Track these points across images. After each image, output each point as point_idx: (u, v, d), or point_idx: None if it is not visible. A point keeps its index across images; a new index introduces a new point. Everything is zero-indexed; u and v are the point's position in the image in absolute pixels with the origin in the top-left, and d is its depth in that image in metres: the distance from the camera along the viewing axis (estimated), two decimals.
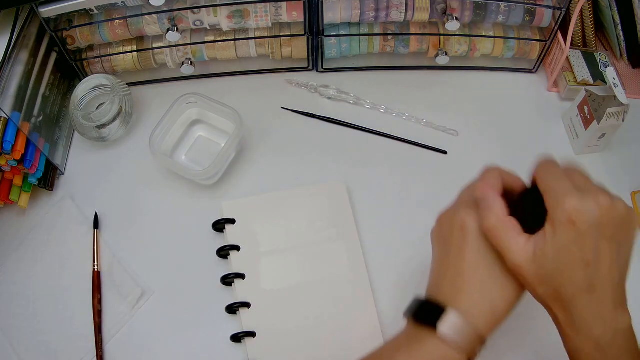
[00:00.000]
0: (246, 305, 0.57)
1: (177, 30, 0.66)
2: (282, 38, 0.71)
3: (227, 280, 0.58)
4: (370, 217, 0.63)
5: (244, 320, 0.56)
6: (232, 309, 0.57)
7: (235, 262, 0.59)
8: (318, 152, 0.69)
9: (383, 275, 0.59)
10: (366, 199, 0.65)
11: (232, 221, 0.61)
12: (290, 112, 0.72)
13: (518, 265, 0.39)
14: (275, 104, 0.73)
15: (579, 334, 0.39)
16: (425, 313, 0.41)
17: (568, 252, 0.37)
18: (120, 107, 0.67)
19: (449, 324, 0.39)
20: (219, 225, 0.61)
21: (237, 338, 0.55)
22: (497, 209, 0.40)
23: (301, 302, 0.57)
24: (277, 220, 0.62)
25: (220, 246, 0.60)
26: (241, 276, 0.58)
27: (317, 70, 0.76)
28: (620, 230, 0.38)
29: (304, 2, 0.66)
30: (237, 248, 0.60)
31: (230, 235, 0.61)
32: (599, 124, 0.63)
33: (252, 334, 0.55)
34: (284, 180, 0.66)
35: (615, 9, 0.71)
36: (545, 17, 0.69)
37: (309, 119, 0.71)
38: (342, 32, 0.71)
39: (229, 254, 0.60)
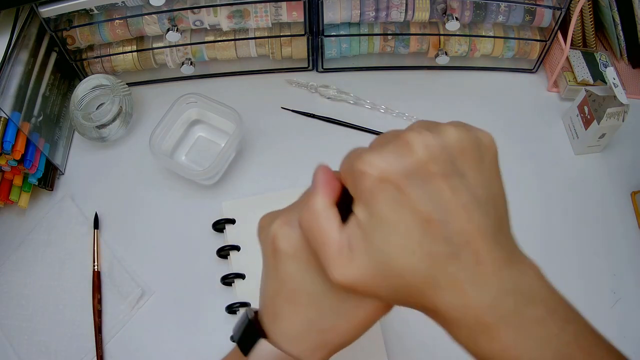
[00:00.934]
0: (246, 305, 0.57)
1: (177, 30, 0.66)
2: (282, 38, 0.71)
3: (227, 280, 0.58)
4: None
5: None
6: (232, 308, 0.57)
7: (235, 262, 0.59)
8: (318, 152, 0.69)
9: None
10: None
11: (232, 221, 0.61)
12: (290, 112, 0.72)
13: (343, 276, 0.28)
14: (275, 104, 0.73)
15: (460, 325, 0.28)
16: (244, 336, 0.34)
17: (392, 223, 0.27)
18: (120, 107, 0.67)
19: (258, 356, 0.33)
20: (219, 225, 0.61)
21: None
22: (321, 196, 0.30)
23: None
24: None
25: (220, 246, 0.60)
26: (241, 276, 0.58)
27: (317, 70, 0.76)
28: (452, 161, 0.27)
29: (304, 2, 0.66)
30: (237, 248, 0.60)
31: (230, 235, 0.61)
32: (599, 124, 0.63)
33: None
34: (284, 180, 0.66)
35: (615, 9, 0.71)
36: (545, 17, 0.69)
37: (309, 119, 0.71)
38: (342, 32, 0.71)
39: (229, 254, 0.60)
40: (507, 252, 0.28)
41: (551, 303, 0.30)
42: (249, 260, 0.59)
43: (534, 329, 0.28)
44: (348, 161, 0.29)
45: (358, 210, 0.28)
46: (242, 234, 0.61)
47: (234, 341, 0.35)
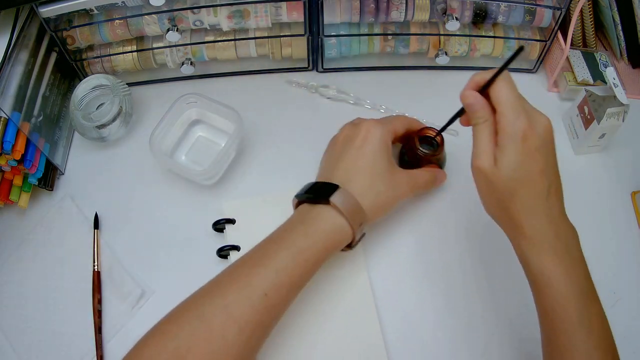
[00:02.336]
0: None
1: (177, 30, 0.66)
2: (282, 38, 0.71)
3: None
4: None
5: None
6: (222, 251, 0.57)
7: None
8: (319, 153, 0.69)
9: (383, 270, 0.59)
10: None
11: (233, 221, 0.61)
12: (290, 111, 0.72)
13: (482, 168, 0.44)
14: (276, 104, 0.73)
15: (532, 244, 0.44)
16: (318, 191, 0.49)
17: (526, 161, 0.43)
18: (120, 107, 0.67)
19: (340, 197, 0.48)
20: (219, 225, 0.61)
21: None
22: (485, 112, 0.45)
23: (301, 301, 0.57)
24: (277, 220, 0.61)
25: (220, 246, 0.60)
26: None
27: (317, 70, 0.76)
28: (552, 143, 0.45)
29: (304, 2, 0.66)
30: (237, 248, 0.59)
31: (231, 235, 0.61)
32: (599, 124, 0.63)
33: None
34: (284, 181, 0.66)
35: (615, 9, 0.71)
36: (545, 17, 0.69)
37: (310, 118, 0.71)
38: (342, 32, 0.71)
39: (229, 254, 0.60)
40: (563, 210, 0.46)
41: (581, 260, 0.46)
42: None
43: (571, 266, 0.44)
44: (524, 109, 0.44)
45: (507, 143, 0.43)
46: (242, 234, 0.61)
47: (305, 197, 0.51)
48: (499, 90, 0.44)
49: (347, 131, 0.55)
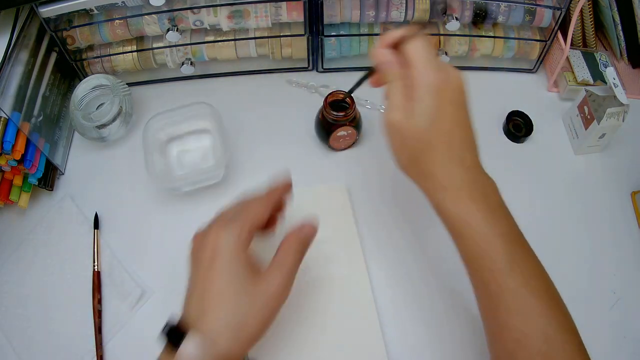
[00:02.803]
0: None
1: (177, 30, 0.66)
2: (282, 38, 0.71)
3: None
4: (370, 217, 0.63)
5: None
6: None
7: None
8: (319, 152, 0.69)
9: (382, 273, 0.59)
10: (367, 200, 0.65)
11: None
12: (290, 111, 0.72)
13: (396, 121, 0.44)
14: (276, 104, 0.73)
15: (448, 192, 0.44)
16: (172, 335, 0.41)
17: (440, 113, 0.43)
18: (120, 107, 0.67)
19: (189, 347, 0.39)
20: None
21: None
22: (398, 69, 0.45)
23: (300, 303, 0.57)
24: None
25: None
26: None
27: (317, 70, 0.76)
28: (464, 97, 0.45)
29: (304, 2, 0.66)
30: None
31: None
32: (599, 124, 0.63)
33: None
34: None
35: (615, 9, 0.71)
36: (545, 17, 0.69)
37: (309, 118, 0.71)
38: (342, 32, 0.71)
39: None
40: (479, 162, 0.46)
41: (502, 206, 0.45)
42: None
43: (490, 211, 0.43)
44: (429, 59, 0.43)
45: (422, 94, 0.43)
46: None
47: (164, 337, 0.41)
48: (413, 47, 0.44)
49: (195, 246, 0.46)
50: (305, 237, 0.47)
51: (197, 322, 0.41)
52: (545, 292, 0.43)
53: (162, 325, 0.42)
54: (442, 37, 0.71)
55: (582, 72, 0.73)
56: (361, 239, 0.61)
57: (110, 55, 0.71)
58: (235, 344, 0.40)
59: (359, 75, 0.52)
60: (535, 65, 0.75)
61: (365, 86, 0.72)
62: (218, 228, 0.43)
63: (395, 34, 0.45)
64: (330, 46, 0.72)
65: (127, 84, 0.70)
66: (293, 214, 0.62)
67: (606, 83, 0.70)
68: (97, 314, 0.58)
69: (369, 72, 0.50)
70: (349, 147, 0.69)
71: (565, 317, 0.43)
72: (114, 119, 0.67)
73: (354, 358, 0.55)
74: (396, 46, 0.46)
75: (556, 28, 0.69)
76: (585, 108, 0.65)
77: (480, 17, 0.69)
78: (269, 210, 0.47)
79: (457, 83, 0.44)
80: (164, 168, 0.66)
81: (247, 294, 0.41)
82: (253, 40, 0.71)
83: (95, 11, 0.65)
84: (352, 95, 0.62)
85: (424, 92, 0.43)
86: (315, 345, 0.55)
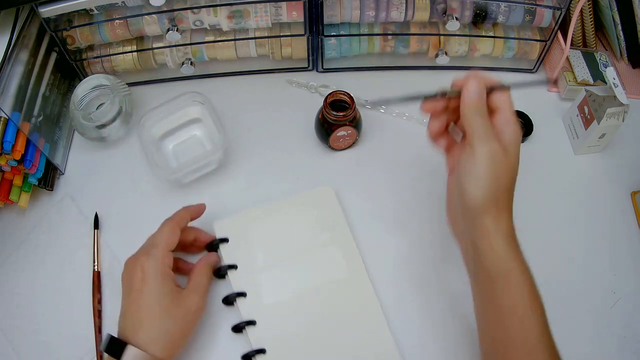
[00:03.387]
0: (252, 323, 0.55)
1: (177, 30, 0.66)
2: (282, 38, 0.71)
3: (229, 299, 0.57)
4: (362, 218, 0.63)
5: (251, 338, 0.55)
6: (238, 328, 0.56)
7: (234, 281, 0.58)
8: (319, 152, 0.69)
9: (381, 272, 0.59)
10: (357, 200, 0.64)
11: (226, 240, 0.60)
12: (290, 111, 0.72)
13: (497, 151, 0.45)
14: (275, 104, 0.73)
15: (501, 232, 0.45)
16: (114, 348, 0.48)
17: (515, 164, 0.45)
18: (120, 107, 0.67)
19: (130, 356, 0.47)
20: (213, 245, 0.60)
21: (247, 357, 0.54)
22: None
23: (306, 311, 0.56)
24: (270, 233, 0.61)
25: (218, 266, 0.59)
26: (242, 294, 0.57)
27: (317, 70, 0.76)
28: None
29: (304, 2, 0.66)
30: (234, 267, 0.58)
31: (226, 254, 0.59)
32: (599, 124, 0.63)
33: (261, 351, 0.54)
34: (284, 180, 0.66)
35: (615, 9, 0.71)
36: (545, 17, 0.69)
37: (310, 118, 0.71)
38: (342, 32, 0.71)
39: (226, 274, 0.58)
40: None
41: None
42: (248, 277, 0.58)
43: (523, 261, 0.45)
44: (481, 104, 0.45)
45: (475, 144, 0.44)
46: (237, 252, 0.59)
47: (105, 351, 0.48)
48: (507, 99, 0.46)
49: (126, 270, 0.53)
50: (213, 262, 0.58)
51: (133, 335, 0.49)
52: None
53: (103, 341, 0.49)
54: (442, 37, 0.71)
55: (582, 72, 0.73)
56: (355, 238, 0.61)
57: (110, 55, 0.71)
58: (165, 352, 0.49)
59: (363, 76, 0.51)
60: (535, 65, 0.76)
61: (365, 86, 0.73)
62: (144, 254, 0.52)
63: (490, 81, 0.46)
64: (330, 46, 0.72)
65: (127, 84, 0.70)
66: (284, 224, 0.61)
67: (606, 83, 0.70)
68: (97, 314, 0.58)
69: (434, 95, 0.48)
70: (349, 147, 0.69)
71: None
72: (114, 119, 0.67)
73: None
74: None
75: (556, 28, 0.69)
76: (585, 108, 0.65)
77: (480, 17, 0.69)
78: (177, 233, 0.55)
79: (518, 136, 0.46)
80: (164, 161, 0.66)
81: (172, 312, 0.50)
82: (253, 40, 0.72)
83: (95, 11, 0.65)
84: (352, 95, 0.62)
85: (512, 142, 0.45)
86: (326, 354, 0.55)
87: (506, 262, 0.44)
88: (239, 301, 0.57)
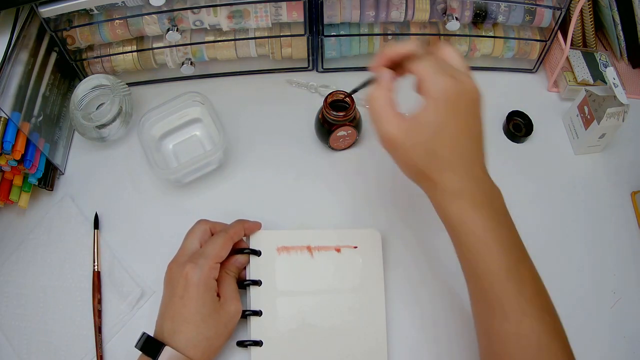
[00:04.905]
0: (258, 343, 0.55)
1: (177, 30, 0.66)
2: (282, 38, 0.71)
3: (244, 314, 0.55)
4: (369, 218, 0.63)
5: (253, 357, 0.54)
6: (242, 344, 0.55)
7: (254, 297, 0.56)
8: (319, 152, 0.69)
9: (401, 332, 0.57)
10: (367, 200, 0.64)
11: (258, 253, 0.58)
12: (290, 111, 0.72)
13: (394, 135, 0.44)
14: (275, 104, 0.73)
15: (451, 195, 0.44)
16: (149, 348, 0.49)
17: (447, 120, 0.43)
18: (120, 107, 0.67)
19: (166, 357, 0.48)
20: (244, 252, 0.58)
21: None
22: (385, 84, 0.47)
23: (314, 349, 0.55)
24: (304, 259, 0.58)
25: (242, 280, 0.57)
26: (257, 313, 0.56)
27: (317, 70, 0.76)
28: (477, 105, 0.44)
29: (304, 2, 0.66)
30: (258, 283, 0.57)
31: (254, 267, 0.57)
32: (599, 124, 0.63)
33: None
34: (284, 180, 0.66)
35: (615, 9, 0.71)
36: (545, 17, 0.69)
37: (310, 118, 0.71)
38: (342, 32, 0.71)
39: (249, 287, 0.57)
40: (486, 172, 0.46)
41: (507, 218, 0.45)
42: (268, 297, 0.57)
43: (494, 218, 0.43)
44: (439, 69, 0.43)
45: (429, 102, 0.43)
46: (265, 268, 0.57)
47: (141, 349, 0.49)
48: (420, 66, 0.45)
49: (170, 274, 0.53)
50: (243, 263, 0.57)
51: (170, 337, 0.49)
52: (549, 313, 0.43)
53: (137, 339, 0.50)
54: (442, 37, 0.71)
55: (582, 72, 0.73)
56: (386, 292, 0.57)
57: (110, 55, 0.71)
58: (204, 357, 0.50)
59: (363, 76, 0.52)
60: (535, 65, 0.76)
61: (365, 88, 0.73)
62: (191, 263, 0.52)
63: (397, 51, 0.45)
64: (330, 46, 0.72)
65: (127, 84, 0.70)
66: (319, 255, 0.58)
67: (606, 83, 0.70)
68: (97, 314, 0.58)
69: (372, 79, 0.49)
70: (349, 147, 0.69)
71: (558, 326, 0.43)
72: (114, 119, 0.67)
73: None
74: (396, 62, 0.46)
75: (556, 28, 0.69)
76: (585, 108, 0.65)
77: (480, 17, 0.69)
78: (229, 248, 0.55)
79: (470, 93, 0.44)
80: (164, 161, 0.66)
81: (211, 320, 0.51)
82: (253, 40, 0.71)
83: (95, 11, 0.65)
84: (352, 95, 0.62)
85: (431, 102, 0.43)
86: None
87: (461, 224, 0.44)
88: (253, 319, 0.55)
